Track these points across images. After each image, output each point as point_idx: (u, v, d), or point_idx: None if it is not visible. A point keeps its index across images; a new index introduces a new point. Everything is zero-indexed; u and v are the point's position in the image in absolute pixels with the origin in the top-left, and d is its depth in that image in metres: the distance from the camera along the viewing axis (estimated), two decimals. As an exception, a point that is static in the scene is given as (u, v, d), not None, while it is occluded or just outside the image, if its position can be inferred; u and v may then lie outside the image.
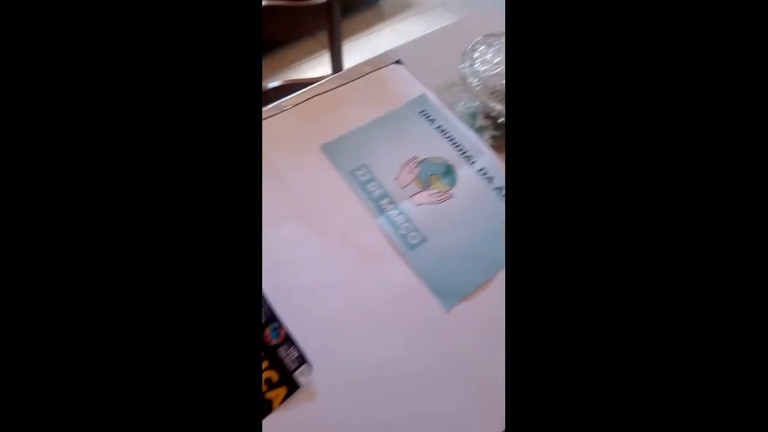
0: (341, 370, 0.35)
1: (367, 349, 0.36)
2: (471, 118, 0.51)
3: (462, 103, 0.52)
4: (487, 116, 0.50)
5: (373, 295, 0.38)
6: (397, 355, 0.36)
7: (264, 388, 0.33)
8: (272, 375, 0.34)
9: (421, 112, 0.51)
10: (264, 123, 0.49)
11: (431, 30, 0.62)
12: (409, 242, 0.41)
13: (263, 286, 0.37)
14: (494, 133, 0.50)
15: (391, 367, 0.35)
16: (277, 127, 0.48)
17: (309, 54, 1.31)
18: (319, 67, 1.28)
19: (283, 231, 0.41)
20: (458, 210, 0.43)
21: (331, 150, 0.47)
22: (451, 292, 0.38)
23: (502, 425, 0.32)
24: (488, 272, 0.40)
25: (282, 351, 0.35)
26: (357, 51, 1.32)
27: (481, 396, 0.34)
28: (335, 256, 0.40)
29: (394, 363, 0.35)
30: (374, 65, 0.57)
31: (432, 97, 0.53)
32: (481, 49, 0.51)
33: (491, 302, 0.38)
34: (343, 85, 0.54)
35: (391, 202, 0.44)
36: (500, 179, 0.46)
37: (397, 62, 0.56)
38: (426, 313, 0.38)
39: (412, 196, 0.44)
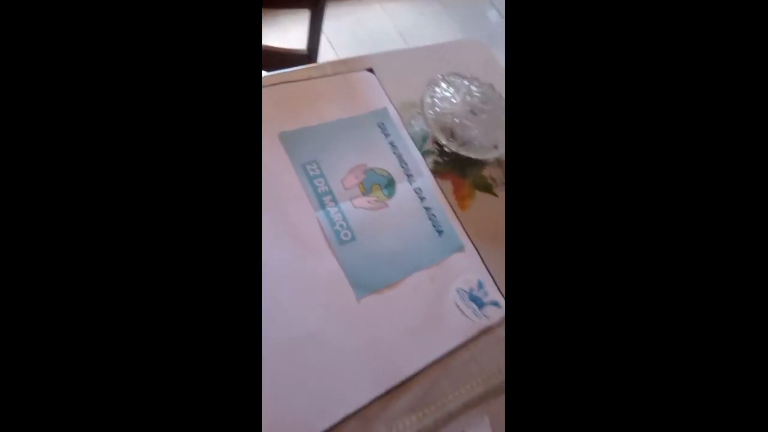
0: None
1: (287, 324, 0.42)
2: (422, 140, 0.58)
3: (417, 125, 0.59)
4: (436, 143, 0.57)
5: (300, 277, 0.44)
6: (311, 331, 0.42)
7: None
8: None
9: (379, 124, 0.57)
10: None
11: (410, 46, 0.68)
12: (341, 238, 0.47)
13: None
14: (438, 159, 0.57)
15: (304, 342, 0.41)
16: None
17: (290, 7, 1.25)
18: (296, 25, 1.25)
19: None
20: (389, 219, 0.50)
21: (288, 140, 0.51)
22: (365, 285, 0.45)
23: (383, 390, 0.40)
24: (400, 274, 0.47)
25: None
26: (341, 18, 1.29)
27: (371, 367, 0.41)
28: (275, 238, 0.45)
29: (307, 338, 0.41)
30: (349, 67, 0.61)
31: (392, 112, 0.59)
32: (442, 85, 0.58)
33: (397, 298, 0.46)
34: (314, 78, 0.58)
35: (333, 200, 0.49)
36: (431, 200, 0.53)
37: (370, 70, 0.61)
38: (341, 299, 0.44)
39: (352, 198, 0.50)
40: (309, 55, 0.81)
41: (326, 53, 1.27)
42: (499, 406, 0.43)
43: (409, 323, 0.45)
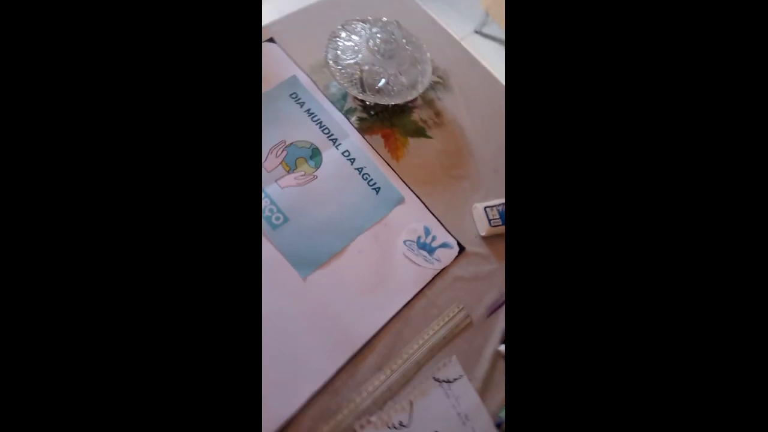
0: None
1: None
2: (342, 99, 0.55)
3: (333, 85, 0.55)
4: (356, 99, 0.54)
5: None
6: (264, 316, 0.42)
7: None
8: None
9: (291, 94, 0.54)
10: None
11: (305, 5, 0.63)
12: (273, 223, 0.46)
13: None
14: (362, 115, 0.55)
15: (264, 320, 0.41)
16: None
17: None
18: None
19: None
20: (321, 190, 0.49)
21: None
22: (308, 263, 0.45)
23: (346, 359, 0.41)
24: (344, 241, 0.46)
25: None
26: None
27: (329, 341, 0.41)
28: None
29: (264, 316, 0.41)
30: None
31: (303, 78, 0.55)
32: (342, 35, 0.54)
33: (344, 267, 0.45)
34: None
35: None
36: (361, 160, 0.51)
37: (270, 40, 0.57)
38: (287, 283, 0.44)
39: (278, 179, 0.48)
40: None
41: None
42: (463, 344, 0.44)
43: (360, 287, 0.44)
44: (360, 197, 0.49)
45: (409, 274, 0.46)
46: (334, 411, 0.39)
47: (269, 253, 0.45)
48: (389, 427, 0.39)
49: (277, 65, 0.56)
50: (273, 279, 0.44)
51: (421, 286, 0.45)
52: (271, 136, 0.51)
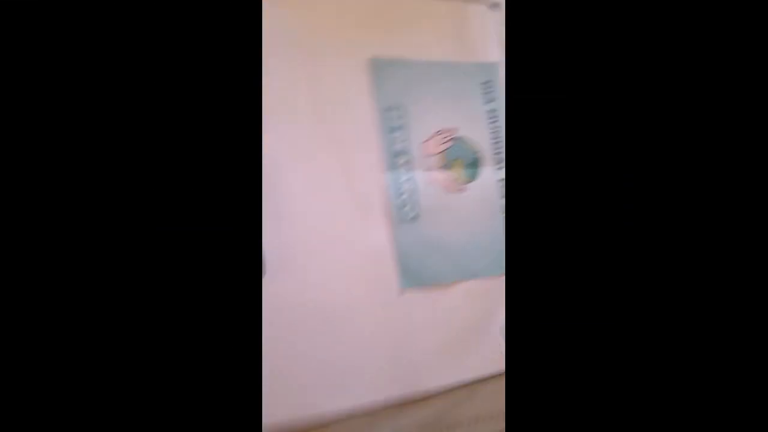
0: (288, 291, 0.34)
1: (305, 287, 0.35)
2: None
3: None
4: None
5: (340, 244, 0.37)
6: (335, 305, 0.36)
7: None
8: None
9: (484, 83, 0.45)
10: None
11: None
12: (402, 213, 0.39)
13: None
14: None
15: (323, 315, 0.35)
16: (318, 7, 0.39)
17: None
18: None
19: (283, 138, 0.36)
20: (463, 207, 0.42)
21: (379, 70, 0.40)
22: (413, 275, 0.38)
23: (398, 396, 0.36)
24: (455, 275, 0.40)
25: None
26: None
27: (396, 374, 0.36)
28: (322, 190, 0.37)
29: (329, 311, 0.35)
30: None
31: (503, 72, 0.47)
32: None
33: (442, 302, 0.39)
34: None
35: (408, 164, 0.40)
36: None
37: (495, 5, 0.48)
38: (382, 283, 0.37)
39: (429, 169, 0.41)
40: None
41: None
42: None
43: (448, 335, 0.39)
44: (492, 239, 0.42)
45: (498, 353, 0.40)
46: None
47: (381, 241, 0.38)
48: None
49: (485, 38, 0.47)
50: (371, 269, 0.37)
51: (502, 371, 0.40)
52: (443, 116, 0.43)
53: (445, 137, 0.42)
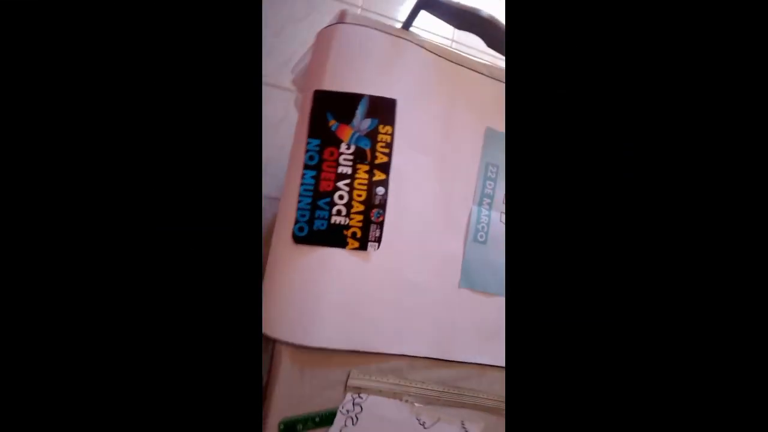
0: (389, 262, 0.51)
1: (411, 268, 0.52)
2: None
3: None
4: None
5: (428, 233, 0.52)
6: (418, 281, 0.52)
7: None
8: (356, 229, 0.49)
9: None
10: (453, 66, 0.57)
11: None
12: (477, 236, 0.56)
13: (389, 183, 0.50)
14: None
15: (411, 285, 0.52)
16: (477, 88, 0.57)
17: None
18: None
19: (411, 161, 0.53)
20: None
21: (490, 137, 0.58)
22: (472, 279, 0.54)
23: (433, 354, 0.51)
24: (498, 291, 0.56)
25: (372, 227, 0.49)
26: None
27: (437, 339, 0.52)
28: (434, 192, 0.53)
29: (414, 284, 0.52)
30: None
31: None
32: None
33: (489, 306, 0.55)
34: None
35: (489, 205, 0.57)
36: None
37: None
38: (447, 275, 0.54)
39: (501, 213, 0.58)
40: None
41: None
42: (496, 428, 0.55)
43: (486, 330, 0.55)
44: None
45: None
46: (376, 370, 0.50)
47: (455, 248, 0.55)
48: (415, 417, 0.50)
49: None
50: (442, 263, 0.54)
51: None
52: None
53: (518, 195, 0.59)
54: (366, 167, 0.49)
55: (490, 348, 0.54)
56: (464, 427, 0.53)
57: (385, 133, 0.50)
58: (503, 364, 0.56)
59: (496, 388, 0.55)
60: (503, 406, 0.56)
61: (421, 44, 0.53)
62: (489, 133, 0.58)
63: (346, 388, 0.48)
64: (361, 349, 0.49)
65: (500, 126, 0.59)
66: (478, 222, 0.56)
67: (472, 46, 0.87)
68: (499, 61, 0.64)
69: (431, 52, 0.54)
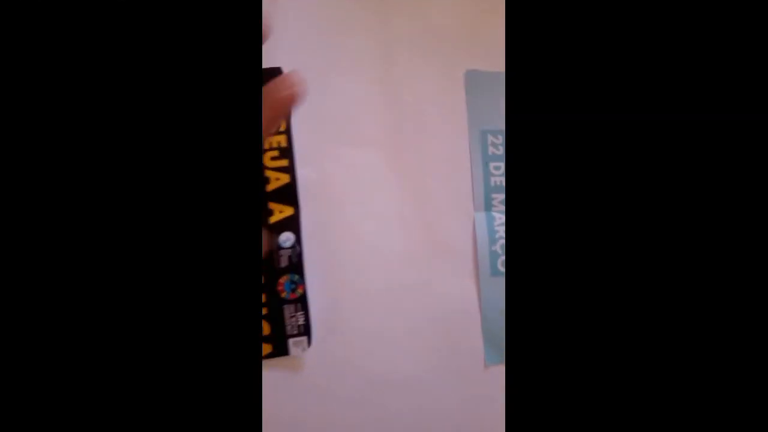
0: (340, 360, 0.28)
1: (379, 357, 0.29)
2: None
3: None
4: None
5: (419, 302, 0.30)
6: (406, 375, 0.29)
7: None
8: (265, 327, 0.27)
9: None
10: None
11: None
12: (496, 266, 0.31)
13: (301, 222, 0.28)
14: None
15: (392, 387, 0.29)
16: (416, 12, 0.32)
17: None
18: None
19: (358, 161, 0.30)
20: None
21: (475, 85, 0.33)
22: (502, 348, 0.30)
23: None
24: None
25: (288, 310, 0.27)
26: None
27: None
28: (404, 230, 0.30)
29: (400, 383, 0.29)
30: None
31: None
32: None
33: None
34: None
35: (502, 203, 0.32)
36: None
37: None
38: (464, 357, 0.30)
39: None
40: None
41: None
42: None
43: None
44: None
45: None
46: None
47: (466, 301, 0.31)
48: None
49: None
50: (452, 338, 0.30)
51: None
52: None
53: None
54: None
55: None
56: None
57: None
58: None
59: None
60: None
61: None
62: (471, 78, 0.33)
63: None
64: None
65: (486, 63, 0.33)
66: (492, 239, 0.31)
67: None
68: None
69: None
